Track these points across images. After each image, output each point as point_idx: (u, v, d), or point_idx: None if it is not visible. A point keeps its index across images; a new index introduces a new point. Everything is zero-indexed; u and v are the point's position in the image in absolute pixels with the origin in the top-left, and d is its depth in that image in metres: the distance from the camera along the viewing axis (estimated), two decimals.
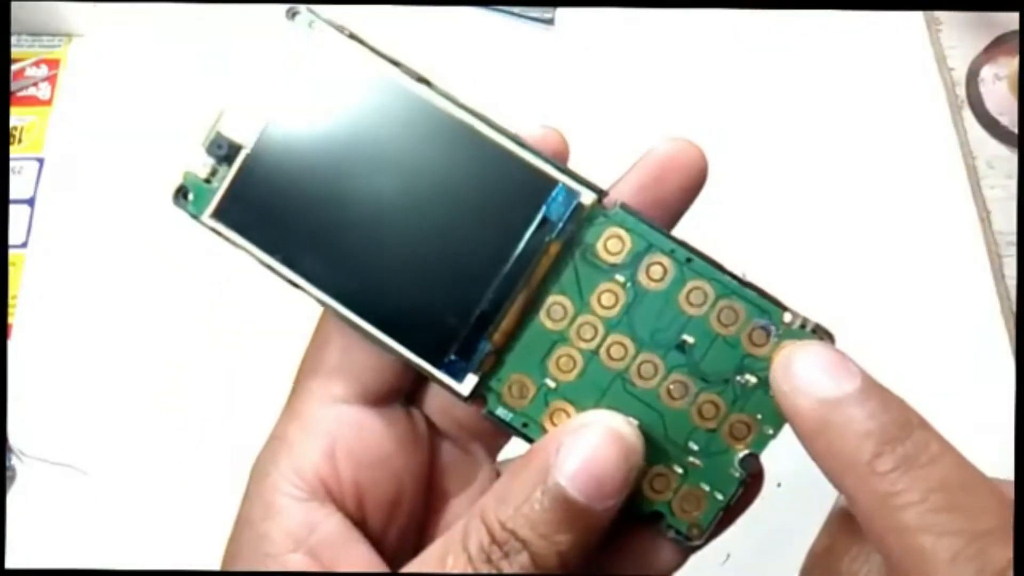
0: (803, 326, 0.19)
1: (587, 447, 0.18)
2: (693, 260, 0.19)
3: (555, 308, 0.19)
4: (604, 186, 0.20)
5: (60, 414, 0.38)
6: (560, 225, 0.19)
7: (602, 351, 0.19)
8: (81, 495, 0.37)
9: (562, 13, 0.46)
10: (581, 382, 0.19)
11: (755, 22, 0.46)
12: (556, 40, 0.46)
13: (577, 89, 0.45)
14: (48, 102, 0.44)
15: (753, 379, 0.19)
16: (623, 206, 0.19)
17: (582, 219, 0.19)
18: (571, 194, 0.19)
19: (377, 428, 0.21)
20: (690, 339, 0.19)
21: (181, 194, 0.21)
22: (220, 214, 0.20)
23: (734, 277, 0.19)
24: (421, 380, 0.21)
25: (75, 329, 0.40)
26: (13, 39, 0.45)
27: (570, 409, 0.19)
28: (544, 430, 0.19)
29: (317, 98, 0.20)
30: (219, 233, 0.20)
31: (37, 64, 0.45)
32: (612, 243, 0.19)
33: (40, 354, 0.39)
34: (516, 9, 0.46)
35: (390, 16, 0.46)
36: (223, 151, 0.20)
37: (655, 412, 0.19)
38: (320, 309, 0.21)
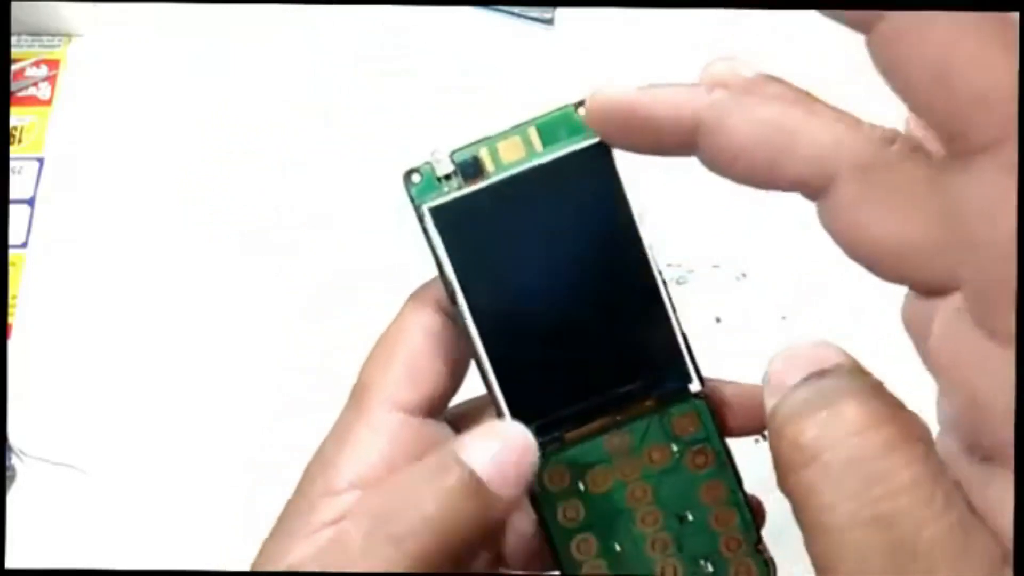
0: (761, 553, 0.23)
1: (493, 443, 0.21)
2: (726, 467, 0.23)
3: (617, 439, 0.22)
4: None
5: (60, 414, 0.38)
6: (665, 391, 0.22)
7: (629, 486, 0.23)
8: (81, 495, 0.37)
9: (562, 13, 0.46)
10: (605, 496, 0.23)
11: (755, 22, 0.46)
12: (556, 40, 0.46)
13: (577, 89, 0.45)
14: (48, 102, 0.44)
15: (711, 569, 0.23)
16: (707, 400, 0.23)
17: (680, 395, 0.22)
18: (685, 375, 0.22)
19: (433, 438, 0.22)
20: (690, 517, 0.23)
21: (411, 176, 0.22)
22: (439, 212, 0.22)
23: (743, 495, 0.23)
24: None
25: (75, 329, 0.40)
26: (13, 39, 0.45)
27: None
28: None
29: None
30: (425, 228, 0.22)
31: (37, 64, 0.45)
32: (686, 421, 0.23)
33: (40, 354, 0.39)
34: (516, 9, 0.46)
35: (390, 16, 0.46)
36: (469, 169, 0.22)
37: (638, 552, 0.23)
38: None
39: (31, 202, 0.42)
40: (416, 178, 0.22)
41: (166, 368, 0.39)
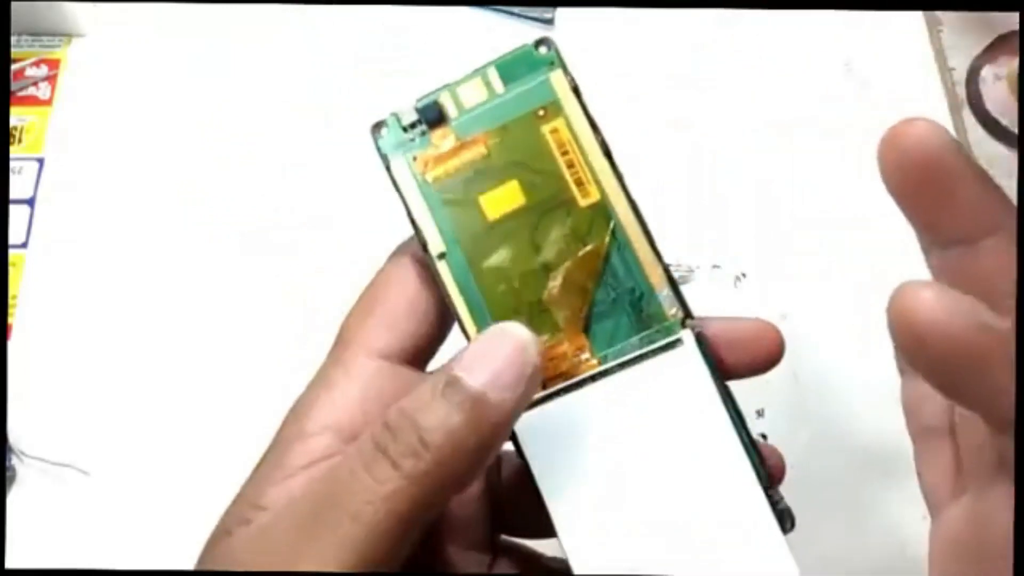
0: (776, 504, 0.21)
1: (483, 342, 0.20)
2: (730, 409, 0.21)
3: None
4: None
5: (60, 414, 0.38)
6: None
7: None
8: (81, 495, 0.37)
9: (562, 13, 0.46)
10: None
11: (755, 22, 0.46)
12: (556, 40, 0.46)
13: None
14: (48, 102, 0.44)
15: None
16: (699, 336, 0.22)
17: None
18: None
19: (411, 384, 0.21)
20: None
21: (379, 129, 0.23)
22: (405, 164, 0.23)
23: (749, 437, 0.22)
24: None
25: (75, 329, 0.40)
26: (13, 39, 0.45)
27: None
28: None
29: None
30: (393, 177, 0.23)
31: (37, 64, 0.45)
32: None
33: (40, 354, 0.39)
34: (516, 9, 0.46)
35: (390, 16, 0.46)
36: (431, 115, 0.23)
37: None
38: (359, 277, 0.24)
39: (31, 202, 0.42)
40: (384, 131, 0.23)
41: (167, 368, 0.39)
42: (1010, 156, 0.43)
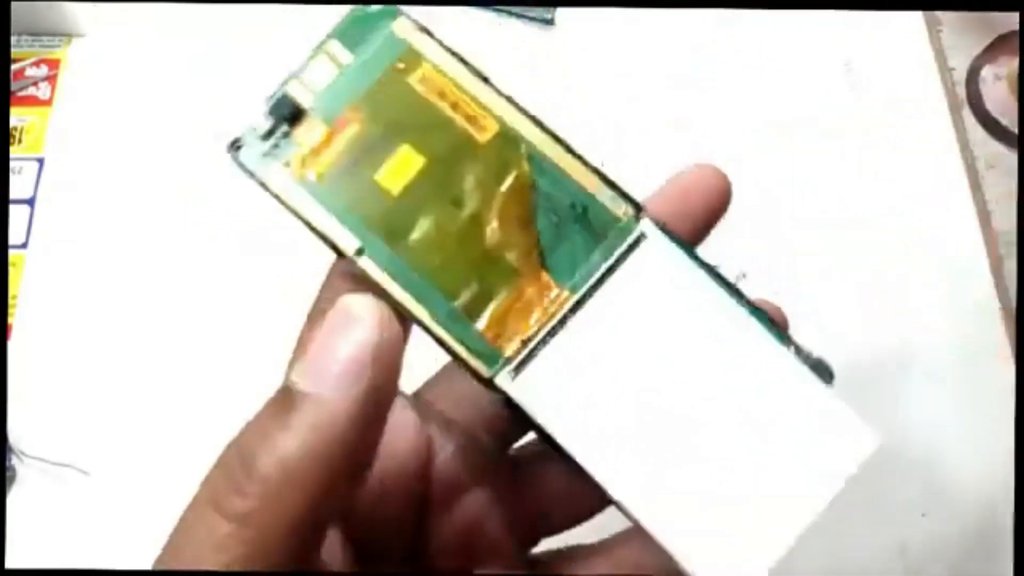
0: (808, 358, 0.19)
1: (319, 329, 0.17)
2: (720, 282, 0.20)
3: None
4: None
5: (60, 414, 0.38)
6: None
7: None
8: (81, 495, 0.37)
9: (562, 13, 0.46)
10: None
11: (755, 22, 0.46)
12: (556, 40, 0.46)
13: (577, 89, 0.45)
14: (48, 102, 0.44)
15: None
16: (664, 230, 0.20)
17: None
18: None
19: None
20: None
21: (236, 146, 0.21)
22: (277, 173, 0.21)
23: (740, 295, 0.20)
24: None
25: (75, 329, 0.40)
26: (13, 39, 0.45)
27: None
28: None
29: None
30: (274, 192, 0.21)
31: (37, 64, 0.45)
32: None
33: (40, 354, 0.39)
34: (516, 9, 0.46)
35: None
36: (285, 111, 0.21)
37: None
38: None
39: (31, 202, 0.42)
40: (242, 148, 0.21)
41: (167, 368, 0.39)
42: (1010, 156, 0.43)
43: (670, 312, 0.19)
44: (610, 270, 0.19)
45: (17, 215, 0.42)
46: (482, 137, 0.20)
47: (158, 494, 0.37)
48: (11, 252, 0.41)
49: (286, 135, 0.21)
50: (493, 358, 0.19)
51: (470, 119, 0.20)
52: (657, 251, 0.20)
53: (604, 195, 0.20)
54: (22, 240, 0.41)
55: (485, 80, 0.21)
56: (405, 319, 0.19)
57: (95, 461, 0.37)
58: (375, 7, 0.21)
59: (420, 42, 0.21)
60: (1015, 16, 0.44)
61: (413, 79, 0.20)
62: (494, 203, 0.20)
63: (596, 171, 0.20)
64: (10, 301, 0.40)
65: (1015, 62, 0.44)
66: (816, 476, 0.19)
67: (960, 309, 0.40)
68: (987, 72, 0.45)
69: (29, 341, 0.39)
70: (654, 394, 0.19)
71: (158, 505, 0.36)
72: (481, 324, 0.19)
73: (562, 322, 0.19)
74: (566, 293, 0.19)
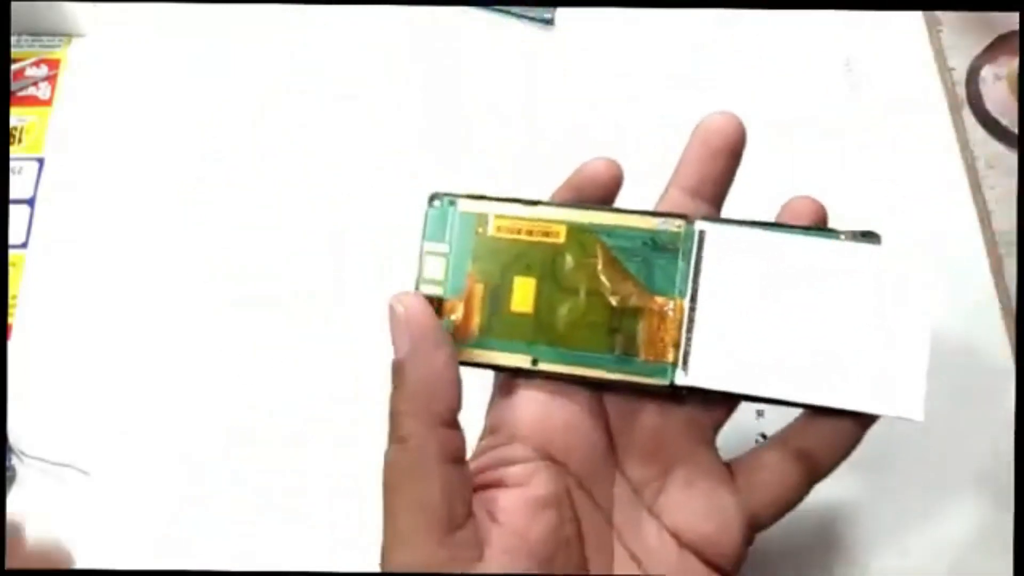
0: (853, 235, 0.27)
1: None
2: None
3: None
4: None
5: (60, 414, 0.38)
6: None
7: None
8: (81, 495, 0.37)
9: (562, 13, 0.46)
10: None
11: (755, 22, 0.46)
12: (556, 40, 0.46)
13: (577, 89, 0.45)
14: (48, 102, 0.44)
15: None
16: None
17: None
18: None
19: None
20: None
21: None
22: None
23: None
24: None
25: (75, 329, 0.40)
26: (13, 39, 0.45)
27: None
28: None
29: None
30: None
31: (37, 64, 0.45)
32: None
33: (40, 354, 0.39)
34: (516, 9, 0.46)
35: (389, 15, 0.46)
36: (433, 305, 0.26)
37: None
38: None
39: (31, 202, 0.42)
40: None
41: (167, 368, 0.39)
42: (1010, 156, 0.43)
43: (754, 263, 0.26)
44: (697, 267, 0.26)
45: (17, 215, 0.42)
46: (560, 239, 0.26)
47: (158, 494, 0.37)
48: (11, 252, 0.41)
49: (440, 318, 0.26)
50: (663, 371, 0.26)
51: (545, 233, 0.26)
52: (718, 235, 0.26)
53: (657, 223, 0.26)
54: (22, 240, 0.41)
55: (536, 202, 0.27)
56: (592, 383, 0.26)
57: (95, 461, 0.37)
58: (436, 204, 0.27)
59: (482, 207, 0.27)
60: (1015, 16, 0.44)
61: (493, 232, 0.27)
62: (596, 274, 0.26)
63: (641, 212, 0.26)
64: (10, 301, 0.40)
65: (1015, 62, 0.44)
66: (907, 301, 0.26)
67: (960, 309, 0.40)
68: (987, 72, 0.45)
69: (29, 341, 0.39)
70: (780, 321, 0.25)
71: (158, 505, 0.36)
72: (641, 355, 0.26)
73: (691, 318, 0.26)
74: (679, 299, 0.26)
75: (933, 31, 0.46)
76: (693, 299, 0.26)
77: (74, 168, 0.43)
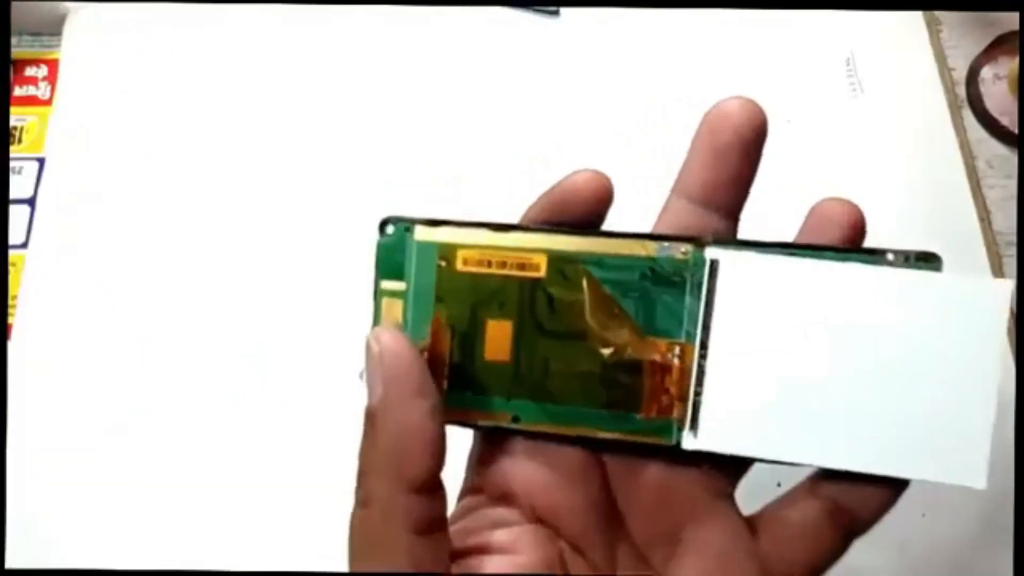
0: (904, 259, 0.22)
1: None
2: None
3: None
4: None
5: (60, 414, 0.38)
6: None
7: None
8: (83, 494, 0.37)
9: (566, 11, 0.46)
10: None
11: (755, 22, 0.46)
12: (562, 31, 0.46)
13: (583, 80, 0.45)
14: (48, 102, 0.44)
15: None
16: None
17: None
18: None
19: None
20: None
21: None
22: None
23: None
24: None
25: (76, 329, 0.40)
26: (13, 39, 0.45)
27: None
28: None
29: None
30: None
31: (37, 64, 0.45)
32: None
33: (40, 354, 0.39)
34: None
35: (393, 9, 0.46)
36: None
37: None
38: None
39: (31, 202, 0.42)
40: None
41: (167, 368, 0.39)
42: (1010, 156, 0.43)
43: (780, 299, 0.21)
44: (709, 304, 0.21)
45: (17, 215, 0.42)
46: (540, 272, 0.22)
47: (158, 494, 0.37)
48: (11, 252, 0.41)
49: None
50: (668, 429, 0.22)
51: (522, 265, 0.22)
52: (735, 263, 0.21)
53: (658, 250, 0.22)
54: (22, 240, 0.41)
55: (510, 227, 0.22)
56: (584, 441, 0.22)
57: (95, 460, 0.37)
58: (389, 231, 0.23)
59: (444, 235, 0.23)
60: (1015, 16, 0.44)
61: (459, 265, 0.22)
62: (584, 314, 0.22)
63: (638, 236, 0.22)
64: (10, 301, 0.40)
65: (1015, 62, 0.44)
66: (976, 347, 0.20)
67: None
68: (987, 72, 0.45)
69: (29, 341, 0.39)
70: (812, 370, 0.21)
71: (158, 505, 0.36)
72: (641, 412, 0.22)
73: (701, 367, 0.21)
74: (687, 344, 0.21)
75: (933, 31, 0.46)
76: (704, 344, 0.21)
77: (74, 168, 0.43)
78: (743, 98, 0.23)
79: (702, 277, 0.21)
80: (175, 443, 0.38)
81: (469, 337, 0.22)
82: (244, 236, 0.41)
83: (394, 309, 0.23)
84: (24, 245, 0.41)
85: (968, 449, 0.21)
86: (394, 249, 0.23)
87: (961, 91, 0.45)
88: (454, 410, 0.22)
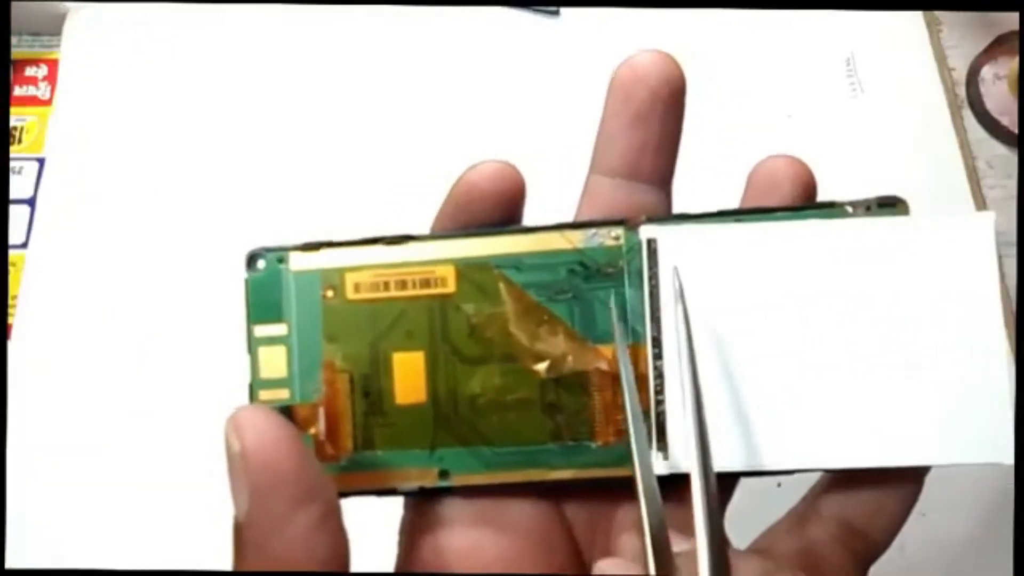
0: (866, 208, 0.19)
1: None
2: None
3: None
4: None
5: (60, 414, 0.38)
6: None
7: None
8: (83, 495, 0.37)
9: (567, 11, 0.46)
10: None
11: (755, 22, 0.46)
12: (562, 31, 0.46)
13: (583, 80, 0.45)
14: (48, 102, 0.44)
15: None
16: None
17: None
18: None
19: None
20: None
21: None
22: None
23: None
24: None
25: (75, 329, 0.40)
26: (13, 39, 0.45)
27: None
28: None
29: None
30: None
31: (37, 64, 0.45)
32: None
33: (40, 354, 0.39)
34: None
35: (393, 11, 0.46)
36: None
37: None
38: None
39: (31, 202, 0.42)
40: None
41: (167, 368, 0.39)
42: (1010, 156, 0.43)
43: (735, 274, 0.17)
44: (654, 293, 0.18)
45: (17, 215, 0.42)
46: (449, 287, 0.18)
47: (158, 494, 0.37)
48: (11, 252, 0.41)
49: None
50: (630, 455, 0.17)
51: (426, 282, 0.18)
52: (675, 240, 0.18)
53: (584, 238, 0.18)
54: (22, 240, 0.41)
55: (406, 238, 0.19)
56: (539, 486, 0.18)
57: (95, 460, 0.37)
58: (259, 265, 0.20)
59: (326, 260, 0.19)
60: (1015, 16, 0.44)
61: (349, 293, 0.18)
62: (509, 330, 0.18)
63: (558, 227, 0.19)
64: (10, 301, 0.40)
65: (1015, 62, 0.44)
66: (971, 293, 0.17)
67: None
68: (987, 72, 0.45)
69: (29, 341, 0.39)
70: (790, 354, 0.17)
71: (158, 505, 0.36)
72: (595, 436, 0.18)
73: (658, 370, 0.17)
74: (637, 344, 0.18)
75: (933, 31, 0.46)
76: (656, 342, 0.17)
77: (74, 168, 0.43)
78: (653, 51, 0.20)
79: (640, 263, 0.18)
80: (175, 443, 0.38)
81: (373, 380, 0.18)
82: (244, 236, 0.41)
83: (275, 360, 0.19)
84: (24, 245, 0.41)
85: (987, 420, 0.17)
86: (267, 285, 0.20)
87: (961, 91, 0.45)
88: (363, 475, 0.18)
